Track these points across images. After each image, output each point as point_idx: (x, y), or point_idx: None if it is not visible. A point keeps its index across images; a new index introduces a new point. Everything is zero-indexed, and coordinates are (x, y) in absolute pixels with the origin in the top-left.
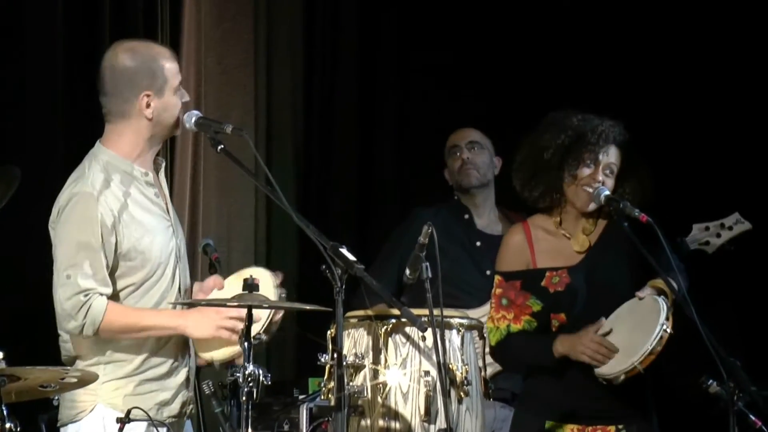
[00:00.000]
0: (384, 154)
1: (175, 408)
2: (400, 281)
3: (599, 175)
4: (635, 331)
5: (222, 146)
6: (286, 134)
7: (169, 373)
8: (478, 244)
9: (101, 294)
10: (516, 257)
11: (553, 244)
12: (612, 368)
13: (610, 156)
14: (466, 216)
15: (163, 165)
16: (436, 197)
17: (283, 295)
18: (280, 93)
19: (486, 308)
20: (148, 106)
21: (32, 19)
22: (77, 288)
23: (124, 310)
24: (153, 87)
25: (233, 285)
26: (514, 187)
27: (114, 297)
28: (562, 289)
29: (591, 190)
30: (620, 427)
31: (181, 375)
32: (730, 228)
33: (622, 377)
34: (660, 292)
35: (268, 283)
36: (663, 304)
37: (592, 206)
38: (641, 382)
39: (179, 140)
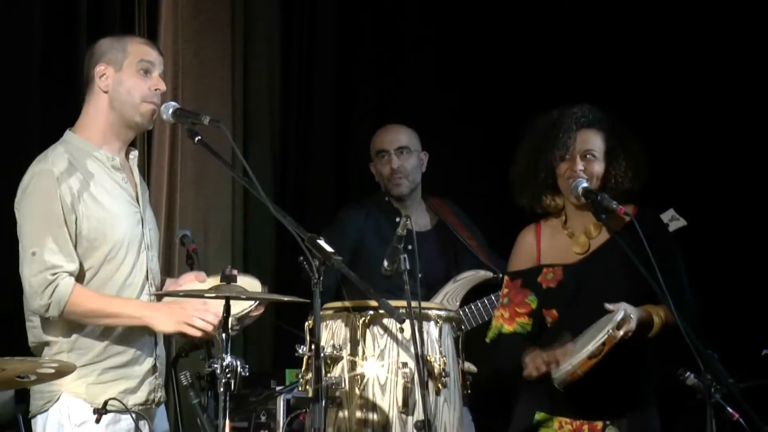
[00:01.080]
0: (361, 146)
1: (141, 396)
2: (338, 282)
3: (577, 165)
4: (588, 340)
5: (199, 137)
6: (264, 126)
7: (132, 361)
8: (410, 247)
9: (69, 274)
10: (524, 258)
11: (557, 242)
12: (556, 372)
13: (585, 142)
14: (398, 219)
15: (135, 154)
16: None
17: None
18: (258, 85)
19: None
20: (102, 76)
21: (8, 11)
22: (44, 264)
23: (91, 295)
24: (110, 59)
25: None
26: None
27: (77, 281)
28: (553, 285)
29: (571, 181)
30: (608, 422)
31: (147, 363)
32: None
33: (567, 379)
34: (648, 314)
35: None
36: (618, 317)
37: (574, 198)
38: (635, 377)
39: (156, 132)
